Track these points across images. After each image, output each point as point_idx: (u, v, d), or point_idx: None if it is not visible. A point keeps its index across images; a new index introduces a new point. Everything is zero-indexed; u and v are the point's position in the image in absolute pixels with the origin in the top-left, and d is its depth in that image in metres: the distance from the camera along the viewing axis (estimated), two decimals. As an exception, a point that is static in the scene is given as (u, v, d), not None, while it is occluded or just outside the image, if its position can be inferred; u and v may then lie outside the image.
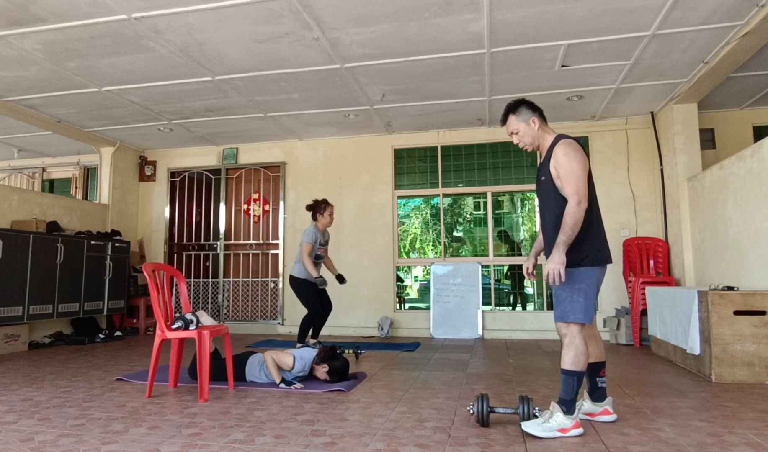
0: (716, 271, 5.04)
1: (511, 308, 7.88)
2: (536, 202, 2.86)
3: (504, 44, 4.41)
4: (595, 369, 2.68)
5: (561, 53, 4.58)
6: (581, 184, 2.49)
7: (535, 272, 2.82)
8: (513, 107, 2.75)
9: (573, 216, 2.45)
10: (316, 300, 5.20)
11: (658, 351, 4.92)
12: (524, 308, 8.05)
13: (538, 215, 2.80)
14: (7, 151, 7.78)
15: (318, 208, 5.29)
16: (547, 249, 2.61)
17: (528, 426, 2.47)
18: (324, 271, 5.36)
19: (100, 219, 7.20)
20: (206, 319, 3.75)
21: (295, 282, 5.18)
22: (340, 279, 5.39)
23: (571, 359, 2.48)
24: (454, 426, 2.64)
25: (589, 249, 2.55)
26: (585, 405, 2.71)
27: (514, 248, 8.34)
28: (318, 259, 5.27)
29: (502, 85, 5.35)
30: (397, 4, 3.76)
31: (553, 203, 2.60)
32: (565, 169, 2.51)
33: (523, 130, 2.71)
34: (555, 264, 2.43)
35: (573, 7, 3.82)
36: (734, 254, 4.68)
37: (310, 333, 5.24)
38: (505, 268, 8.64)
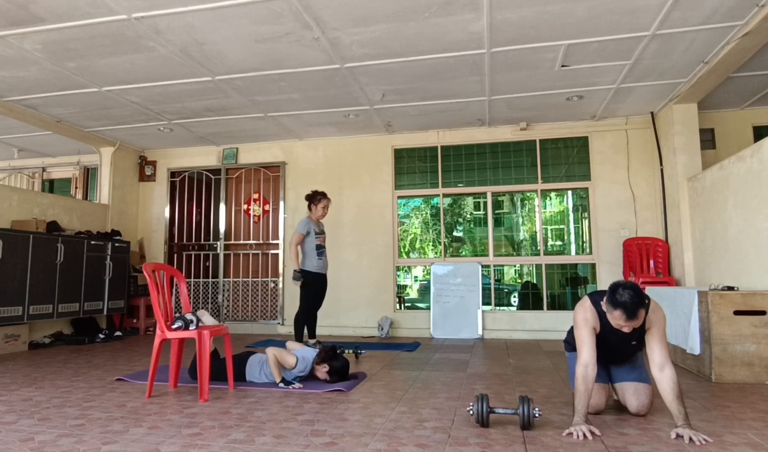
0: (716, 271, 5.04)
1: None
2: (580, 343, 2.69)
3: (504, 44, 4.41)
4: None
5: (561, 53, 4.58)
6: None
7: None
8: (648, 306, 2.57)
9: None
10: (313, 298, 5.22)
11: (658, 351, 4.92)
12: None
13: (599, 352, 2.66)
14: (7, 151, 7.78)
15: (314, 198, 5.35)
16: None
17: None
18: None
19: (100, 219, 7.20)
20: (207, 319, 3.75)
21: (304, 275, 5.21)
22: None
23: None
24: (454, 426, 2.64)
25: None
26: None
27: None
28: (320, 249, 5.29)
29: (502, 85, 5.35)
30: (397, 4, 3.76)
31: (640, 360, 2.88)
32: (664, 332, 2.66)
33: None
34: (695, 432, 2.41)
35: (573, 7, 3.82)
36: (734, 254, 4.68)
37: (306, 332, 5.25)
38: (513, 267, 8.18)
